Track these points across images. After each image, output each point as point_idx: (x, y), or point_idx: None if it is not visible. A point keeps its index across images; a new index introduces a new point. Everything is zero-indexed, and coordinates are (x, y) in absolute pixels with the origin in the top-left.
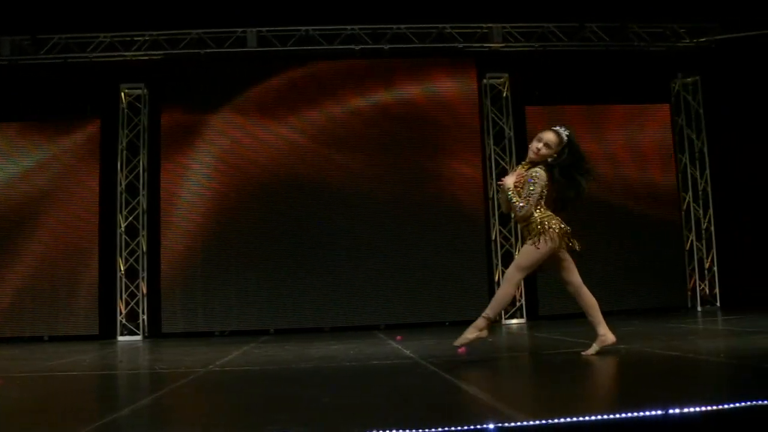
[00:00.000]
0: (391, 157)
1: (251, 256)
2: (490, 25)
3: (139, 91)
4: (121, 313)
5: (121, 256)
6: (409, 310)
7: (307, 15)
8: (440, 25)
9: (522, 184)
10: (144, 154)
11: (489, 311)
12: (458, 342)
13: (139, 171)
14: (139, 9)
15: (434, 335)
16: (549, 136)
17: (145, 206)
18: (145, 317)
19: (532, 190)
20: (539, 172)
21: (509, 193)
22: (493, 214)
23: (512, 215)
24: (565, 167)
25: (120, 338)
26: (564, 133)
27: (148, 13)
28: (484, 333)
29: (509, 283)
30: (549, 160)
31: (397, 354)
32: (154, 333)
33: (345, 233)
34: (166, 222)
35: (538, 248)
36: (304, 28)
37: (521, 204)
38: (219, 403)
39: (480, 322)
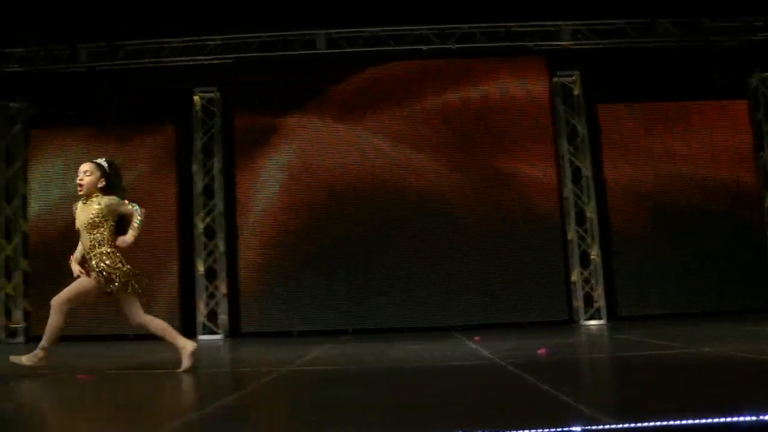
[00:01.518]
0: (463, 158)
1: (328, 256)
2: (559, 23)
3: (211, 95)
4: (201, 313)
5: (200, 257)
6: (487, 311)
7: (375, 16)
8: (509, 24)
9: (94, 215)
10: (218, 157)
11: (44, 342)
12: (15, 360)
13: (214, 174)
14: (210, 14)
15: (512, 336)
16: (85, 166)
17: (221, 208)
18: (224, 317)
19: (130, 209)
20: (114, 198)
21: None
22: (569, 214)
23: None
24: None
25: (201, 337)
26: (101, 161)
27: (219, 18)
28: (44, 361)
29: (58, 314)
30: (100, 186)
31: (476, 355)
32: (234, 332)
33: (421, 234)
34: (242, 223)
35: (93, 284)
36: (372, 29)
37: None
38: (300, 402)
39: (39, 352)
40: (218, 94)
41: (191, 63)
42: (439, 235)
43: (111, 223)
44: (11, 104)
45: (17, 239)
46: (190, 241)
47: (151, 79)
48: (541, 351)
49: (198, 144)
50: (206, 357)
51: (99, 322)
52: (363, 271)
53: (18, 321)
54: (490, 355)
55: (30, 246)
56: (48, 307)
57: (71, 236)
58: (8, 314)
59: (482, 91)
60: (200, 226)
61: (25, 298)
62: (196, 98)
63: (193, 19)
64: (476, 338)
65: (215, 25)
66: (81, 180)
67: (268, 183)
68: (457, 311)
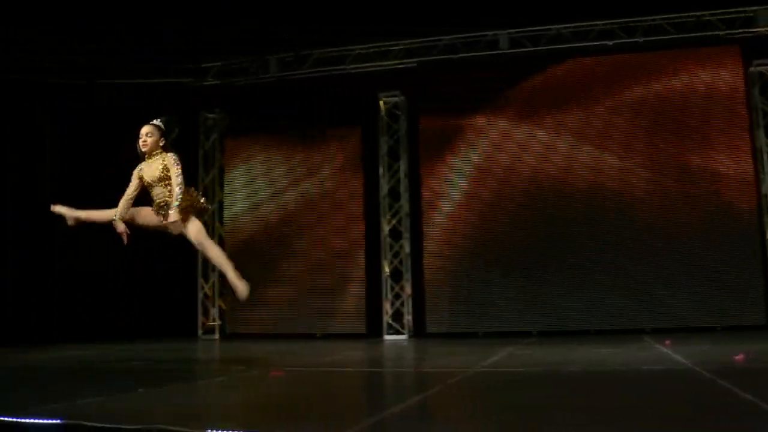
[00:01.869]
0: (652, 155)
1: (514, 257)
2: (755, 8)
3: (396, 99)
4: (387, 314)
5: (385, 258)
6: (678, 314)
7: (557, 13)
8: (699, 13)
9: (161, 171)
10: (404, 160)
11: (230, 274)
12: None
13: (399, 176)
14: (392, 20)
15: (705, 341)
16: (145, 129)
17: (407, 210)
18: (410, 317)
19: (178, 170)
20: (173, 155)
21: (176, 193)
22: (767, 212)
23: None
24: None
25: (386, 337)
26: (157, 122)
27: (401, 23)
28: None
29: (213, 250)
30: (161, 144)
31: (668, 359)
32: (419, 332)
33: (608, 234)
34: (427, 225)
35: (194, 222)
36: (555, 26)
37: (178, 189)
38: (489, 404)
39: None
40: (402, 98)
41: (375, 69)
42: (627, 234)
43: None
44: (209, 115)
45: (213, 242)
46: (376, 243)
47: (337, 85)
48: (739, 357)
49: (383, 147)
50: (392, 357)
51: (288, 321)
52: (548, 272)
53: (214, 319)
54: (682, 360)
55: (226, 248)
56: (243, 306)
57: (265, 239)
58: (205, 312)
59: (671, 85)
60: (386, 227)
61: (220, 297)
62: (381, 103)
63: (376, 25)
64: (667, 342)
65: (398, 31)
66: (144, 141)
67: (452, 184)
68: (646, 314)
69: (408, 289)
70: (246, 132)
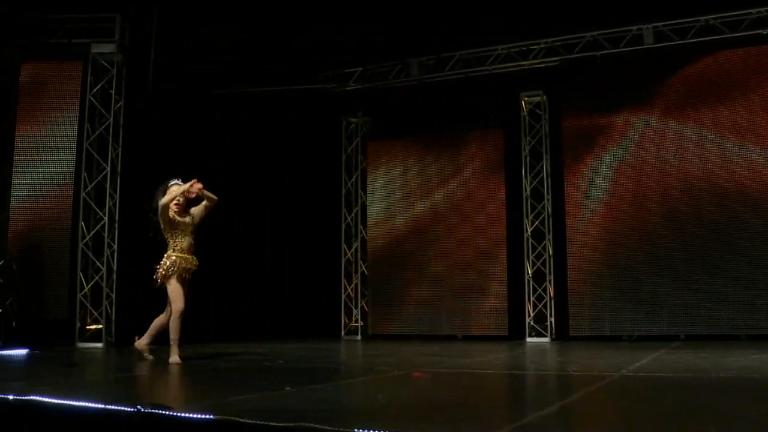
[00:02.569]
0: None
1: (659, 259)
2: None
3: (538, 99)
4: (529, 316)
5: (528, 259)
6: None
7: (705, 4)
8: None
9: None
10: (547, 160)
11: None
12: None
13: (542, 176)
14: (533, 18)
15: None
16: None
17: (550, 210)
18: (552, 320)
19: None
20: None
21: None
22: None
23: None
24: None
25: (528, 339)
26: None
27: (542, 22)
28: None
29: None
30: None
31: None
32: (561, 335)
33: (760, 235)
34: (571, 226)
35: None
36: (703, 18)
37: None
38: (639, 409)
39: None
40: (544, 97)
41: (517, 69)
42: None
43: (166, 229)
44: (351, 119)
45: (356, 244)
46: (518, 244)
47: (479, 86)
48: None
49: (525, 147)
50: (535, 360)
51: (429, 323)
52: (698, 274)
53: (356, 320)
54: None
55: (368, 250)
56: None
57: (407, 241)
58: (348, 314)
59: None
60: (528, 228)
61: (362, 299)
62: (522, 103)
63: (517, 25)
64: None
65: (539, 29)
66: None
67: (596, 184)
68: None
69: (551, 291)
70: (388, 135)
